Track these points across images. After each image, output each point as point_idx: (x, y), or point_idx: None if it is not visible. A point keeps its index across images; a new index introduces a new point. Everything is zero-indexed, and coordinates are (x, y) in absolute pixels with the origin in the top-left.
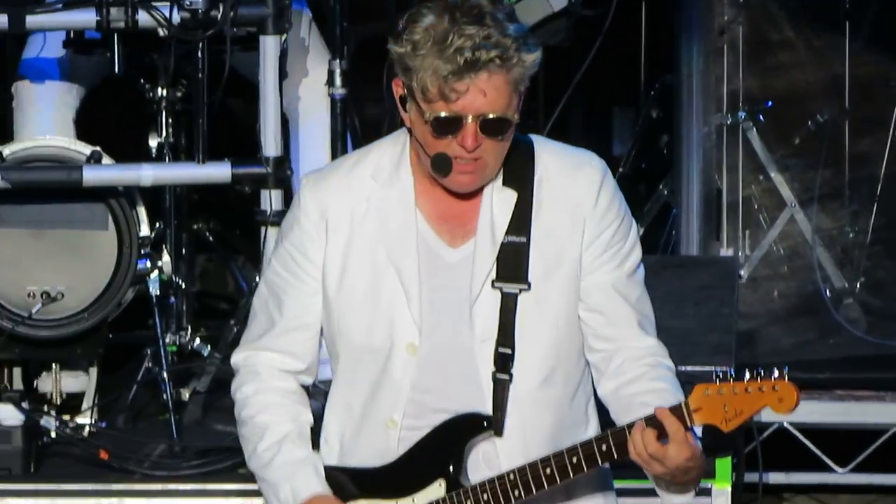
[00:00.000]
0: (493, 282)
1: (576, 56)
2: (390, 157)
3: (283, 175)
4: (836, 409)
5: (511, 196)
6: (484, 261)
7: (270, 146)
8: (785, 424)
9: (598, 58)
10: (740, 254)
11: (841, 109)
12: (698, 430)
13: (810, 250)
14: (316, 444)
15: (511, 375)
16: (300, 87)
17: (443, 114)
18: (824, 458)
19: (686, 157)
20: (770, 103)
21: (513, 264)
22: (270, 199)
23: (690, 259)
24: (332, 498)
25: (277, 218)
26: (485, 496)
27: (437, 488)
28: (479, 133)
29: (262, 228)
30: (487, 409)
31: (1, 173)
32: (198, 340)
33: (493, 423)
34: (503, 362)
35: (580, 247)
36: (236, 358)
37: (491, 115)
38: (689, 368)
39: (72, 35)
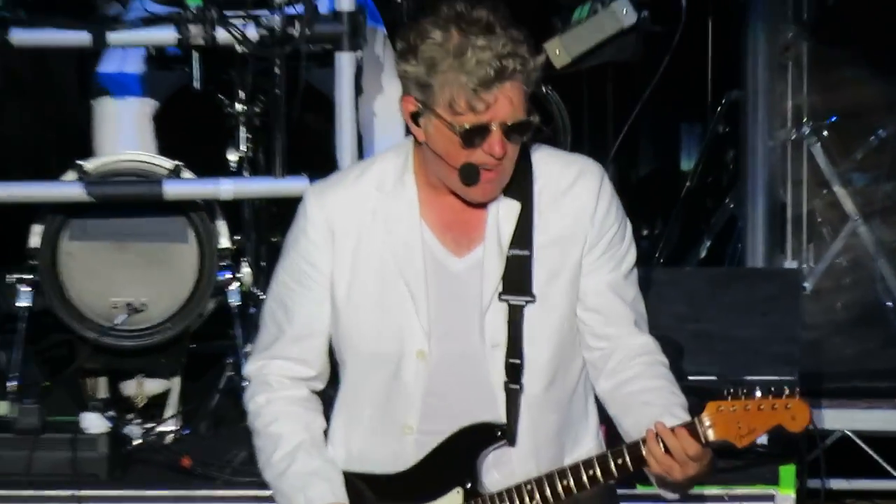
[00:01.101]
0: (499, 294)
1: (645, 72)
2: (394, 168)
3: None
4: None
5: (515, 206)
6: (493, 272)
7: (346, 160)
8: (847, 432)
9: (667, 73)
10: (804, 266)
11: None
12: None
13: (873, 262)
14: None
15: (521, 385)
16: (375, 103)
17: (471, 124)
18: (885, 465)
19: (751, 172)
20: (833, 118)
21: (517, 278)
22: None
23: (756, 271)
24: None
25: None
26: (524, 491)
27: (455, 496)
28: (504, 139)
29: None
30: (500, 414)
31: (85, 188)
32: None
33: (506, 433)
34: (514, 373)
35: (581, 251)
36: (249, 368)
37: (515, 121)
38: (754, 378)
39: (152, 51)
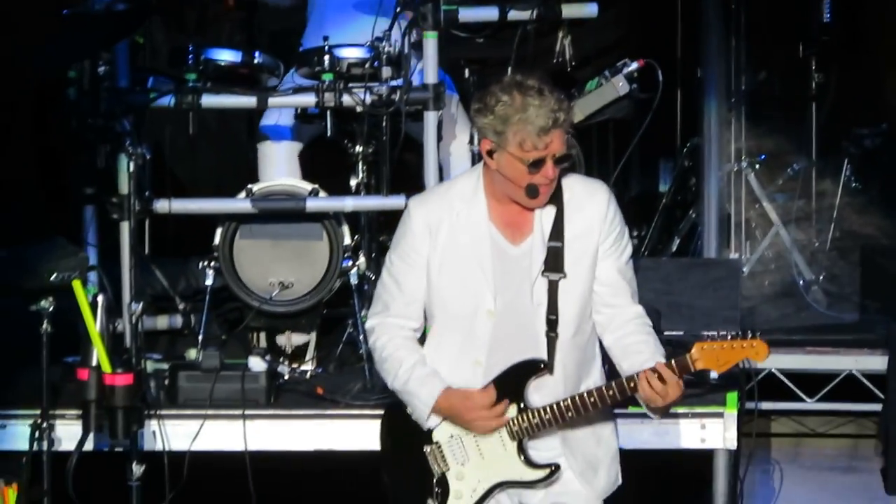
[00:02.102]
0: (542, 272)
1: (635, 124)
2: (469, 185)
3: None
4: (807, 360)
5: (552, 211)
6: (538, 257)
7: (431, 184)
8: (772, 370)
9: (649, 126)
10: (743, 257)
11: (809, 161)
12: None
13: (789, 254)
14: None
15: (557, 333)
16: (451, 146)
17: (534, 158)
18: (799, 392)
19: (707, 193)
20: (763, 157)
21: (554, 261)
22: None
23: (710, 260)
24: (455, 390)
25: None
26: (546, 416)
27: (512, 409)
28: (554, 167)
29: None
30: (543, 353)
31: (251, 203)
32: None
33: (549, 366)
34: (552, 325)
35: (597, 243)
36: (371, 323)
37: (561, 154)
38: (708, 333)
39: (298, 110)
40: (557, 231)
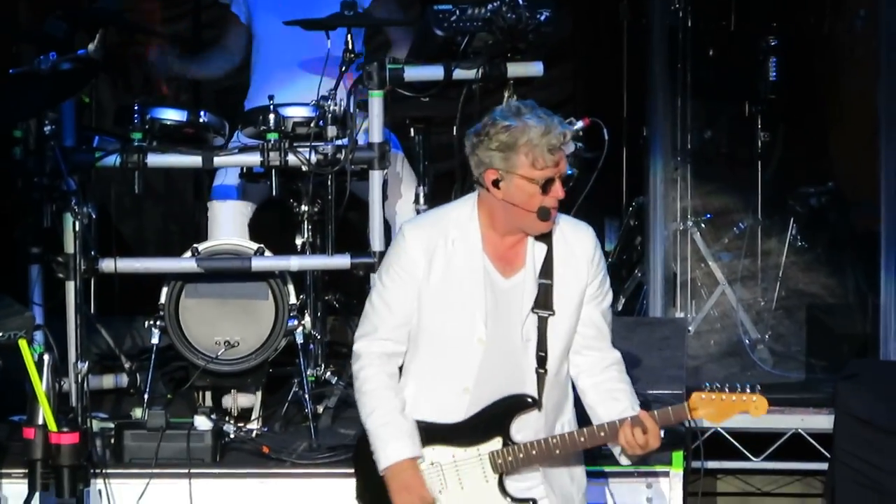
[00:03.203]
0: (532, 308)
1: (580, 183)
2: (465, 213)
3: None
4: (753, 419)
5: (543, 248)
6: (529, 292)
7: (376, 243)
8: (718, 429)
9: (596, 184)
10: (689, 316)
11: (755, 220)
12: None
13: (735, 313)
14: None
15: (546, 370)
16: (396, 204)
17: (548, 175)
18: (745, 451)
19: (653, 251)
20: (708, 216)
21: (544, 299)
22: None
23: (656, 319)
24: (417, 473)
25: None
26: (533, 451)
27: (496, 442)
28: (561, 186)
29: None
30: (530, 390)
31: (197, 262)
32: (328, 373)
33: (537, 402)
34: (541, 361)
35: (585, 285)
36: (358, 346)
37: (566, 174)
38: (653, 392)
39: (244, 170)
40: (547, 269)
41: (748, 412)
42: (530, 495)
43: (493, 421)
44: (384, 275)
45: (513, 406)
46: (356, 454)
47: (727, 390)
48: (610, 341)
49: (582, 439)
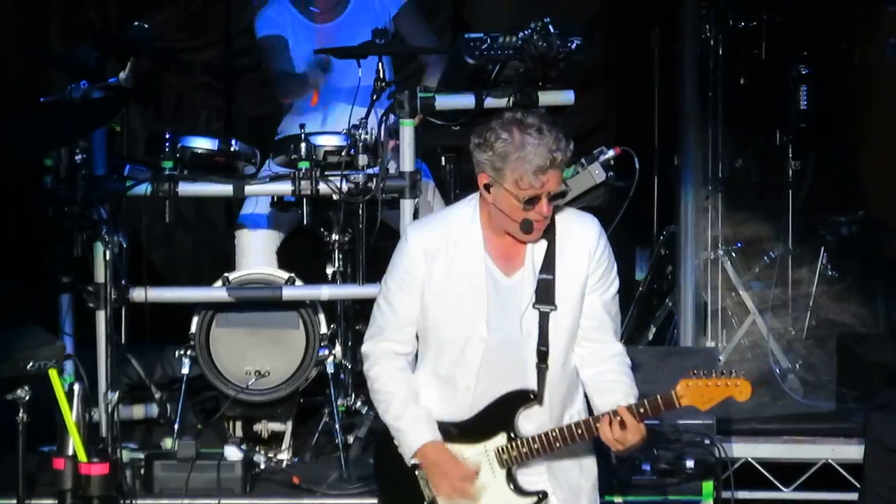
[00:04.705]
0: (533, 304)
1: (611, 212)
2: (468, 214)
3: None
4: (783, 449)
5: (543, 244)
6: (528, 289)
7: None
8: (749, 459)
9: (627, 213)
10: (719, 345)
11: (786, 249)
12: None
13: (765, 343)
14: None
15: (547, 365)
16: None
17: (529, 196)
18: (775, 481)
19: (683, 281)
20: (739, 244)
21: (545, 293)
22: None
23: (686, 349)
24: (441, 445)
25: None
26: (535, 445)
27: (501, 438)
28: (548, 203)
29: None
30: (531, 384)
31: (228, 291)
32: (359, 403)
33: (538, 396)
34: (542, 356)
35: (586, 277)
36: (365, 348)
37: (556, 192)
38: (683, 422)
39: (275, 198)
40: (548, 264)
41: (733, 396)
42: (539, 488)
43: (497, 417)
44: (388, 277)
45: (514, 401)
46: (378, 448)
47: (713, 376)
48: (613, 333)
49: (580, 431)
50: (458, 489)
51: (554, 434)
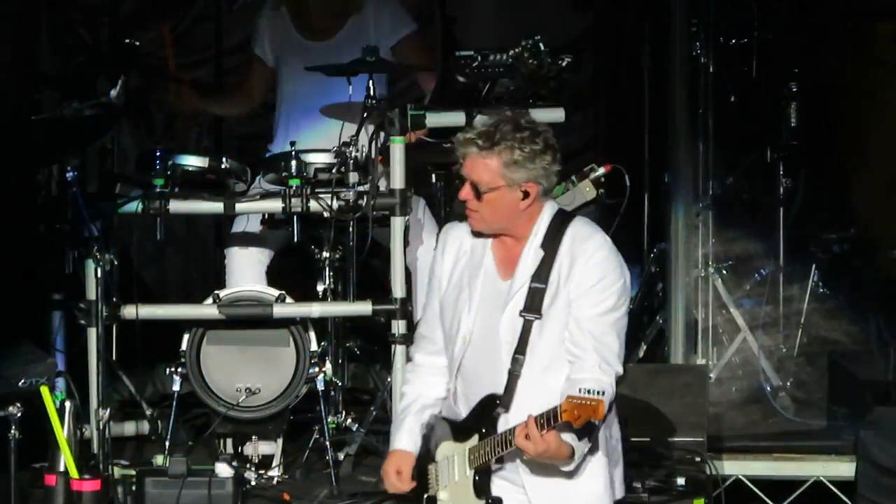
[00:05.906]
0: (520, 311)
1: (602, 230)
2: None
3: (406, 310)
4: (774, 467)
5: (539, 253)
6: (517, 295)
7: (398, 290)
8: (739, 476)
9: (617, 230)
10: (710, 363)
11: (777, 266)
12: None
13: (756, 360)
14: None
15: (520, 373)
16: (418, 250)
17: (459, 172)
18: (766, 498)
19: (674, 298)
20: (730, 262)
21: (533, 302)
22: (398, 326)
23: (677, 366)
24: (406, 455)
25: (403, 339)
26: (498, 447)
27: (475, 439)
28: (469, 191)
29: (393, 346)
30: (501, 389)
31: (218, 309)
32: (349, 420)
33: (503, 402)
34: (515, 363)
35: (574, 286)
36: (411, 350)
37: (478, 185)
38: (675, 439)
39: (265, 216)
40: (542, 273)
41: (591, 419)
42: (497, 494)
43: (476, 419)
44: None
45: (486, 406)
46: None
47: (590, 394)
48: (591, 350)
49: (510, 438)
50: (394, 488)
51: (496, 439)
